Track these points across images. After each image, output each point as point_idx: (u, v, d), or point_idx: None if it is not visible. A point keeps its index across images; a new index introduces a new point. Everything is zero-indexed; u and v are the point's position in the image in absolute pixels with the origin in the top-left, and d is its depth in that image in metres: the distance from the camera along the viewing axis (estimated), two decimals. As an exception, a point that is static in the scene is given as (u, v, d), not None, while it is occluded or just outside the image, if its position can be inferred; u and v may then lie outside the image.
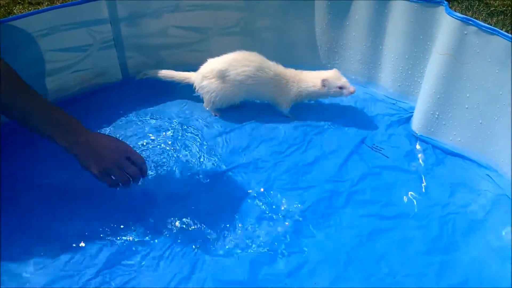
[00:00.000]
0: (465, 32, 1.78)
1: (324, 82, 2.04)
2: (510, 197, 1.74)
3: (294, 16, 2.32)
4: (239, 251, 1.56)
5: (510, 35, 1.68)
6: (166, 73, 2.23)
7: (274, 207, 1.71)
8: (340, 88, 2.03)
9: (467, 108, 1.86)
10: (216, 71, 2.09)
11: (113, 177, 1.55)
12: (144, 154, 1.90)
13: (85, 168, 1.52)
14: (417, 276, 1.49)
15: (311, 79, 2.07)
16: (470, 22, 1.76)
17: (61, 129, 1.50)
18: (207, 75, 2.12)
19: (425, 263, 1.53)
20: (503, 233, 1.63)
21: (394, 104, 2.20)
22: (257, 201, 1.73)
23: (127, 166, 1.56)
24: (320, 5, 2.26)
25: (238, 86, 2.07)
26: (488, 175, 1.84)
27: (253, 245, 1.58)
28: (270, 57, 2.36)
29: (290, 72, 2.12)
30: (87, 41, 2.14)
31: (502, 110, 1.77)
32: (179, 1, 2.25)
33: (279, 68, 2.12)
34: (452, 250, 1.58)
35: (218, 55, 2.32)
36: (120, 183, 1.57)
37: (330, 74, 2.05)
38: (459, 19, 1.77)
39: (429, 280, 1.48)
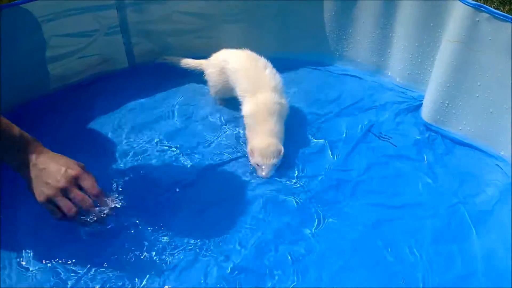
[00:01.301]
0: (477, 19, 1.73)
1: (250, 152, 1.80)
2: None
3: (302, 3, 2.28)
4: (243, 238, 1.55)
5: (524, 22, 1.65)
6: (183, 60, 2.23)
7: (279, 195, 1.70)
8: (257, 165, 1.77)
9: (477, 97, 1.83)
10: (218, 62, 2.07)
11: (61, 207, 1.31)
12: (146, 143, 1.90)
13: (32, 195, 1.32)
14: (424, 265, 1.48)
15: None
16: (483, 8, 1.71)
17: (12, 149, 1.30)
18: (213, 64, 2.10)
19: (432, 253, 1.51)
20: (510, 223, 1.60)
21: (403, 92, 2.17)
22: (263, 189, 1.72)
23: (75, 194, 1.31)
24: (330, -9, 2.22)
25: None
26: (497, 165, 1.81)
27: (259, 232, 1.57)
28: (277, 45, 2.36)
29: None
30: (93, 27, 2.12)
31: (513, 100, 1.74)
32: (185, -14, 2.22)
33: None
34: (460, 240, 1.56)
35: (224, 42, 2.31)
36: (67, 215, 1.31)
37: (258, 146, 1.76)
38: (471, 6, 1.73)
39: (436, 270, 1.47)
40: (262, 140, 1.76)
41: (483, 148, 1.86)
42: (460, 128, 1.91)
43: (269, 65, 1.99)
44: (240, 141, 1.93)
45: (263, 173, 1.74)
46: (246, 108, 1.89)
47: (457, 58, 1.82)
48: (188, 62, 2.22)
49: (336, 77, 2.30)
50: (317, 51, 2.36)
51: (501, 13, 1.70)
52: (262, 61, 1.99)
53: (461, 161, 1.85)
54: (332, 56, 2.35)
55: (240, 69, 1.97)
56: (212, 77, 2.10)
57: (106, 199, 1.38)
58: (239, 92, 1.96)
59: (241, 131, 1.97)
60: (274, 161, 1.74)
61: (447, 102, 1.91)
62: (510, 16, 1.68)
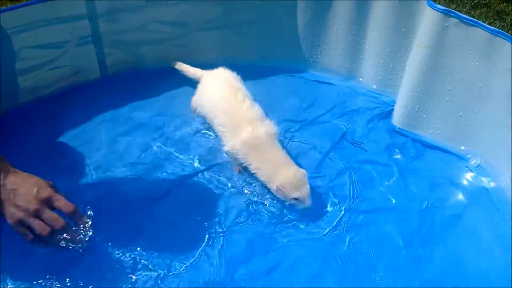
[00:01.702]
0: (446, 24, 1.76)
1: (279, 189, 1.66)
2: (489, 191, 1.74)
3: (276, 11, 2.29)
4: (216, 250, 1.54)
5: (490, 27, 1.67)
6: (183, 66, 2.22)
7: (252, 205, 1.69)
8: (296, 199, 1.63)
9: (447, 101, 1.85)
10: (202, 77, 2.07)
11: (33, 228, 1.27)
12: (118, 155, 1.88)
13: (3, 216, 1.27)
14: (395, 270, 1.49)
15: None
16: (451, 14, 1.74)
17: None
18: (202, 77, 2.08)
19: (403, 258, 1.52)
20: (482, 227, 1.62)
21: (375, 98, 2.18)
22: (235, 199, 1.72)
23: (48, 215, 1.27)
24: (302, -1, 2.24)
25: None
26: (467, 167, 1.83)
27: (231, 245, 1.56)
28: (252, 52, 2.36)
29: None
30: (64, 38, 2.09)
31: (482, 103, 1.76)
32: (159, -5, 2.22)
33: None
34: (430, 244, 1.57)
35: (200, 50, 2.31)
36: (40, 236, 1.28)
37: (288, 180, 1.63)
38: (440, 11, 1.76)
39: (406, 275, 1.48)
40: (284, 172, 1.64)
41: (454, 151, 1.88)
42: (430, 132, 1.93)
43: (247, 94, 1.90)
44: (212, 152, 1.92)
45: (307, 203, 1.61)
46: (236, 142, 1.76)
47: (427, 63, 1.84)
48: (188, 69, 2.20)
49: (310, 84, 2.31)
50: (292, 58, 2.37)
51: (469, 18, 1.72)
52: (241, 91, 1.88)
53: (432, 164, 1.86)
54: (306, 63, 2.36)
55: (219, 101, 1.86)
56: (198, 90, 2.06)
57: (80, 216, 1.35)
58: (217, 126, 1.85)
59: (211, 141, 1.96)
60: (308, 186, 1.63)
61: (417, 107, 1.93)
62: (478, 21, 1.70)
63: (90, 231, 1.38)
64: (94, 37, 2.20)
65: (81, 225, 1.35)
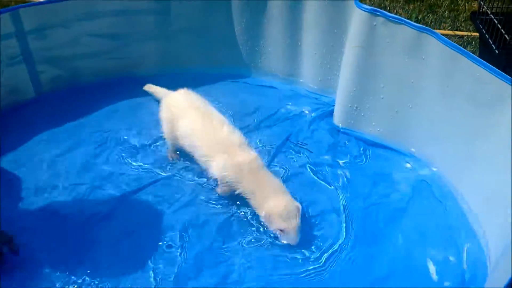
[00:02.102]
0: (374, 23, 1.80)
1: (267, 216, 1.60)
2: (429, 183, 1.79)
3: (211, 17, 2.27)
4: (162, 269, 1.50)
5: (416, 24, 1.72)
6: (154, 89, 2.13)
7: (200, 217, 1.67)
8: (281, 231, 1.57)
9: (382, 98, 1.90)
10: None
11: None
12: (57, 176, 1.82)
13: None
14: (341, 272, 1.50)
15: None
16: (378, 13, 1.78)
17: None
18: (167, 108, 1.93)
19: (349, 259, 1.54)
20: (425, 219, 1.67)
21: (316, 99, 2.21)
22: (181, 213, 1.69)
23: None
24: (237, 4, 2.23)
25: None
26: (407, 162, 1.88)
27: (179, 261, 1.53)
28: (192, 60, 2.34)
29: None
30: (-6, 58, 2.00)
31: (415, 98, 1.82)
32: (90, 8, 2.14)
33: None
34: (375, 242, 1.60)
35: (140, 61, 2.26)
36: None
37: (277, 210, 1.56)
38: (367, 11, 1.80)
39: (353, 276, 1.50)
40: (275, 201, 1.57)
41: (393, 147, 1.94)
42: (370, 129, 1.98)
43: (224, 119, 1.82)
44: (158, 164, 1.88)
45: (292, 239, 1.54)
46: (220, 168, 1.68)
47: (359, 63, 1.88)
48: (157, 91, 2.10)
49: (253, 88, 2.32)
50: (233, 64, 2.37)
51: (395, 16, 1.77)
52: (216, 118, 1.80)
53: (374, 161, 1.91)
54: (248, 68, 2.37)
55: (196, 131, 1.77)
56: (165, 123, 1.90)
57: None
58: (199, 157, 1.77)
59: (157, 154, 1.93)
60: (298, 221, 1.54)
61: (355, 105, 1.97)
62: (403, 19, 1.75)
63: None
64: (24, 55, 2.11)
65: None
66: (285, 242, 1.56)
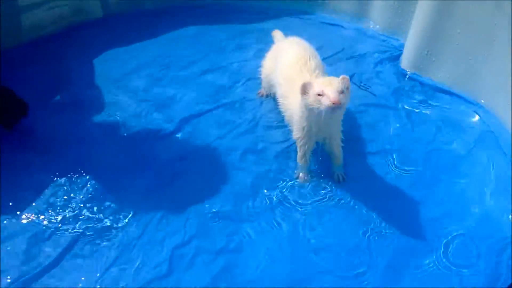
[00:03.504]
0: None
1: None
2: (496, 134, 1.73)
3: None
4: (224, 187, 1.55)
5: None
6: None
7: (258, 143, 1.70)
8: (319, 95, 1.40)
9: (457, 44, 1.81)
10: None
11: None
12: (122, 97, 1.87)
13: None
14: (400, 210, 1.51)
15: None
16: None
17: None
18: None
19: (408, 198, 1.54)
20: (486, 168, 1.63)
21: (384, 41, 2.14)
22: (241, 140, 1.72)
23: None
24: None
25: None
26: (475, 111, 1.82)
27: (237, 180, 1.58)
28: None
29: None
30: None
31: (491, 48, 1.72)
32: None
33: None
34: (434, 185, 1.58)
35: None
36: None
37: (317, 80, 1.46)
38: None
39: (411, 213, 1.49)
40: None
41: (461, 95, 1.86)
42: (439, 76, 1.91)
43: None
44: (221, 91, 1.90)
45: (331, 98, 1.33)
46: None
47: (438, 6, 1.79)
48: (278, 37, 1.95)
49: (318, 26, 2.26)
50: (300, 0, 2.30)
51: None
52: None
53: (440, 108, 1.85)
54: (315, 5, 2.30)
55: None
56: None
57: None
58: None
59: (217, 83, 1.95)
60: (340, 87, 1.36)
61: (426, 50, 1.89)
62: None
63: None
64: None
65: None
66: (327, 107, 1.36)
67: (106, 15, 2.23)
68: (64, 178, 1.54)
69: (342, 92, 1.36)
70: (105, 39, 2.13)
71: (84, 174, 1.55)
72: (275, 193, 1.55)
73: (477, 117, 1.81)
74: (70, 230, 1.41)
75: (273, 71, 1.74)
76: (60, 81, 1.92)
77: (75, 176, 1.55)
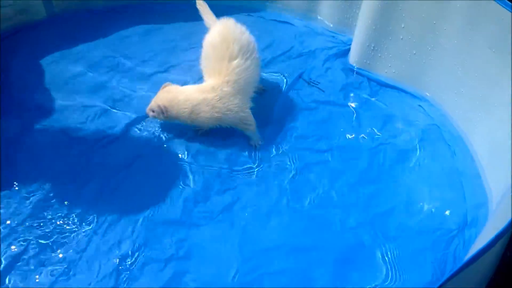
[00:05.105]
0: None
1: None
2: (440, 127, 1.79)
3: None
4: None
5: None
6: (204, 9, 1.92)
7: (210, 147, 1.70)
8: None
9: (401, 39, 1.85)
10: None
11: None
12: (67, 97, 1.84)
13: None
14: (346, 206, 1.54)
15: None
16: None
17: None
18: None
19: (355, 194, 1.58)
20: (432, 161, 1.68)
21: (333, 37, 2.16)
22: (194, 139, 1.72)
23: None
24: None
25: None
26: (420, 105, 1.87)
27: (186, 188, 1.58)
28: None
29: None
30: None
31: (435, 40, 1.77)
32: None
33: None
34: (380, 180, 1.62)
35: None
36: None
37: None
38: None
39: (357, 210, 1.53)
40: None
41: (407, 89, 1.91)
42: (385, 71, 1.95)
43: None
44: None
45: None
46: None
47: (382, 1, 1.81)
48: (205, 12, 1.91)
49: (268, 23, 2.25)
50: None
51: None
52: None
53: (386, 103, 1.89)
54: (265, 2, 2.29)
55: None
56: None
57: None
58: None
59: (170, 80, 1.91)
60: (153, 106, 1.69)
61: (373, 45, 1.92)
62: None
63: None
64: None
65: None
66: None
67: (50, 15, 2.16)
68: (7, 189, 1.50)
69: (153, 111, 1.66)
70: (51, 40, 2.06)
71: (27, 184, 1.51)
72: (225, 195, 1.56)
73: (422, 110, 1.86)
74: (12, 246, 1.37)
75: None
76: (4, 85, 1.85)
77: (17, 186, 1.51)
